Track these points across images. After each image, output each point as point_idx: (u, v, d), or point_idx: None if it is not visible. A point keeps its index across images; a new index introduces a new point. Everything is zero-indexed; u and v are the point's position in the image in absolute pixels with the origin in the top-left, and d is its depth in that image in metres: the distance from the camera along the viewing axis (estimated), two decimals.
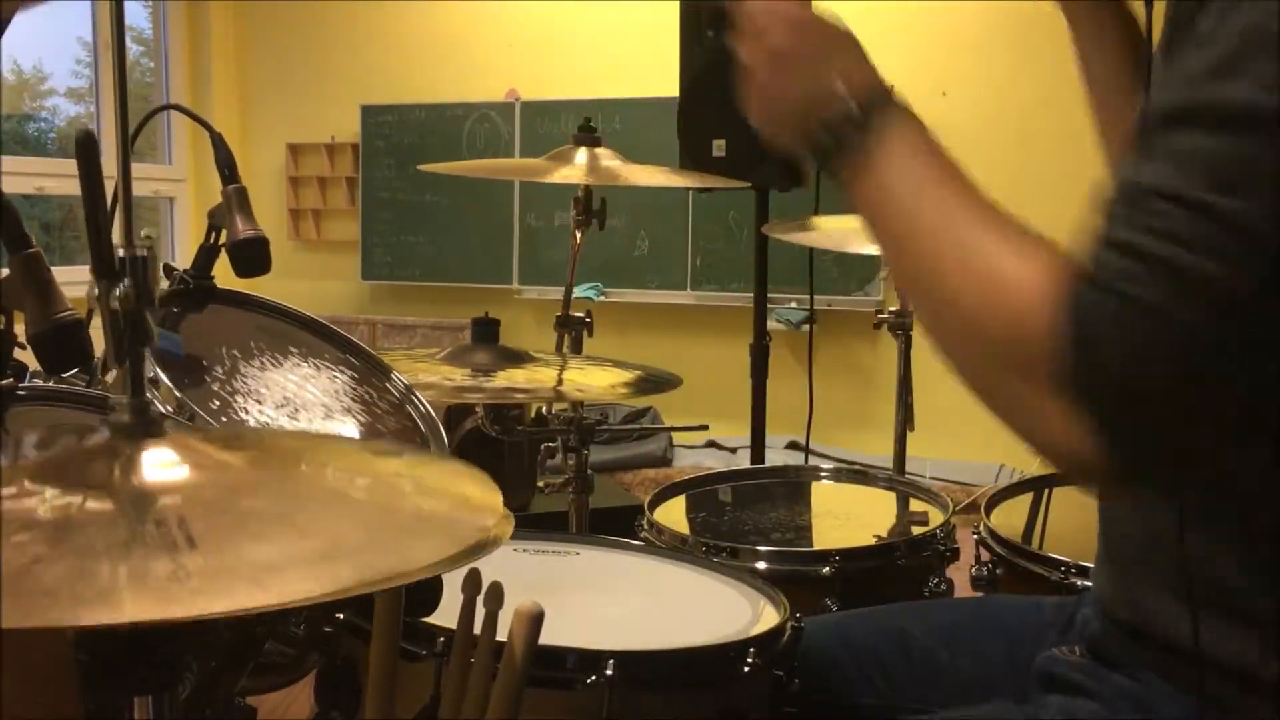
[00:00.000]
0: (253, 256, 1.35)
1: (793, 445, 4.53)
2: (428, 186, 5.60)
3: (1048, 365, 0.72)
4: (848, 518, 1.84)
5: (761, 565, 1.51)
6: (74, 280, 1.09)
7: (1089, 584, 1.23)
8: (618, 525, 1.64)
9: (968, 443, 4.65)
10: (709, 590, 1.38)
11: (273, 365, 1.39)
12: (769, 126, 0.96)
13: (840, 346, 4.94)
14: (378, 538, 0.65)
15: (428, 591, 0.95)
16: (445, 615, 0.99)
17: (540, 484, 1.93)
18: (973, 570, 1.59)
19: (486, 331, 1.88)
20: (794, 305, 4.85)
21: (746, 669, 1.12)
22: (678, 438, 4.92)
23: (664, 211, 5.19)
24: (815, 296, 3.49)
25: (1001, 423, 0.79)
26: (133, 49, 5.86)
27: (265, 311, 1.48)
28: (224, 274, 1.38)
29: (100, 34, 5.48)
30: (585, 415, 1.89)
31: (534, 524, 1.76)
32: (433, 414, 1.42)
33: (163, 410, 1.11)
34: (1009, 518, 1.70)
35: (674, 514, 1.77)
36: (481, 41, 5.62)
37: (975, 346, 0.79)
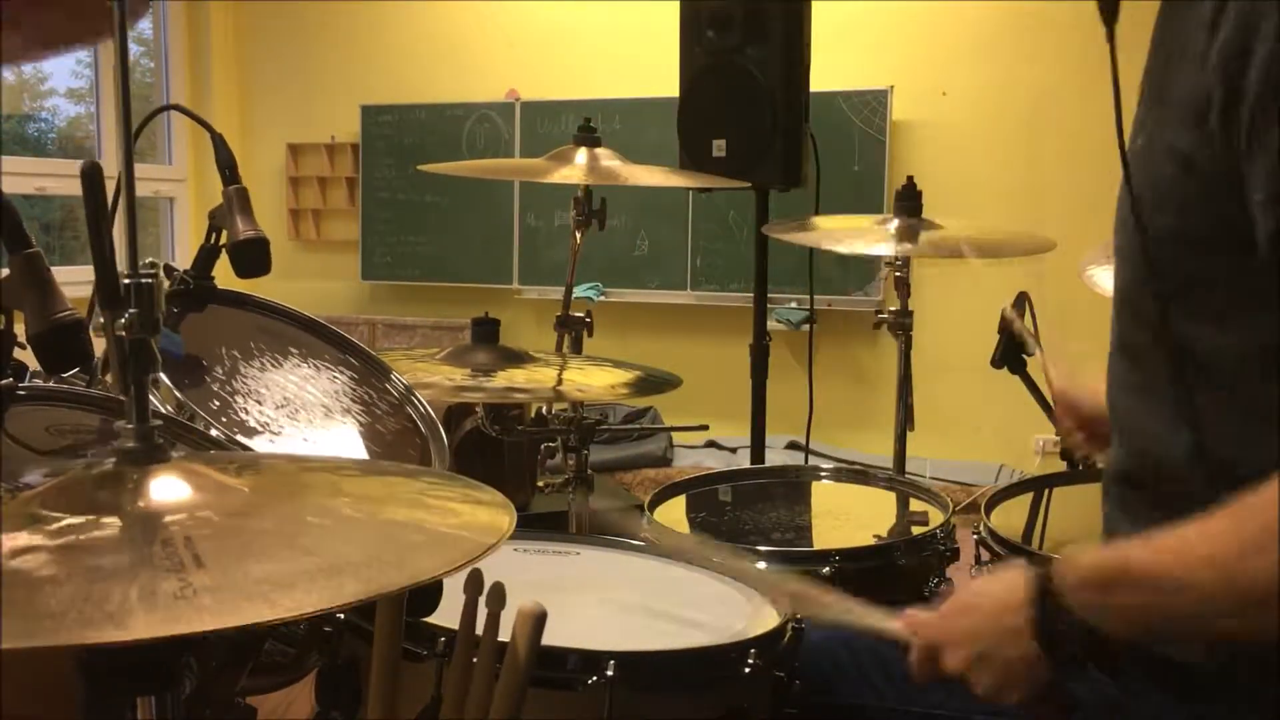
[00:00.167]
0: (253, 257, 1.35)
1: (793, 445, 4.52)
2: (428, 186, 5.60)
3: None
4: (848, 518, 1.84)
5: (761, 565, 1.51)
6: (74, 280, 1.09)
7: None
8: (618, 525, 1.64)
9: (968, 443, 4.65)
10: (710, 590, 1.38)
11: (273, 366, 1.39)
12: (1013, 695, 0.98)
13: (840, 346, 4.93)
14: (381, 554, 0.66)
15: (428, 592, 0.95)
16: (447, 615, 0.99)
17: (540, 484, 1.93)
18: (973, 570, 1.59)
19: (486, 331, 1.88)
20: (794, 305, 4.84)
21: (747, 669, 1.12)
22: (678, 438, 4.91)
23: (664, 211, 5.18)
24: (815, 296, 3.49)
25: None
26: (133, 49, 5.86)
27: (265, 312, 1.48)
28: (224, 274, 1.38)
29: None
30: (585, 415, 1.90)
31: (534, 524, 1.76)
32: (432, 414, 1.42)
33: (165, 422, 1.11)
34: (1009, 518, 1.70)
35: (674, 514, 1.77)
36: (481, 41, 5.62)
37: None
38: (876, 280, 4.84)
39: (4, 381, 1.04)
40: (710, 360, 4.36)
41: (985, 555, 1.59)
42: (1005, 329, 1.83)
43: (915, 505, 1.84)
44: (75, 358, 0.96)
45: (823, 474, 2.04)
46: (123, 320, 0.68)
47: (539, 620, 0.89)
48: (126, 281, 0.68)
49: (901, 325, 2.27)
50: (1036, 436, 4.50)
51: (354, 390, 1.43)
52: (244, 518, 0.69)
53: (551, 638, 0.92)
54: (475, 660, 0.94)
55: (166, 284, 1.38)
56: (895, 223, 2.14)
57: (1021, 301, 1.85)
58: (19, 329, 0.98)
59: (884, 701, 1.19)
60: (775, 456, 3.97)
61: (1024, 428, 4.27)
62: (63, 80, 5.75)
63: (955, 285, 4.43)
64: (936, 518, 1.73)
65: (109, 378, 1.15)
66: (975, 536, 1.61)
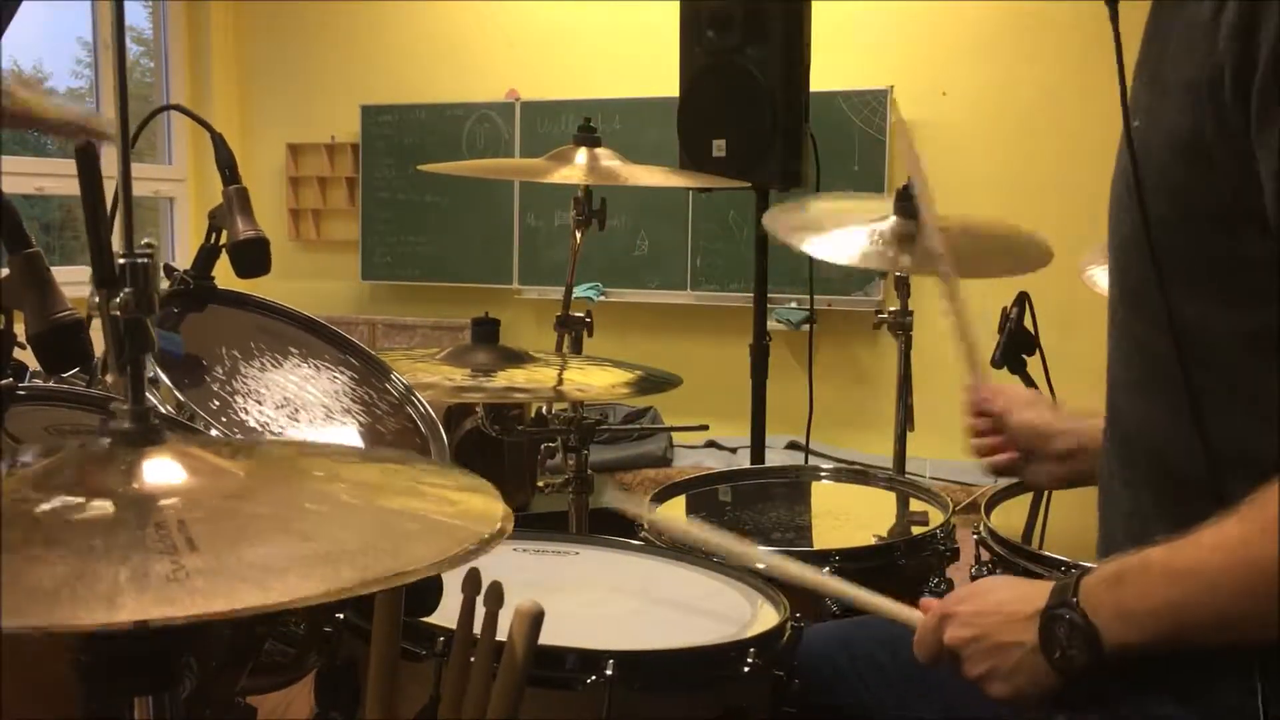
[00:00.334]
0: (253, 257, 1.35)
1: (793, 445, 4.52)
2: (428, 186, 5.60)
3: None
4: (848, 518, 1.84)
5: (761, 565, 1.51)
6: (74, 280, 1.09)
7: None
8: (618, 525, 1.64)
9: (968, 443, 4.63)
10: (709, 590, 1.38)
11: (273, 366, 1.39)
12: (1002, 688, 0.99)
13: (840, 346, 4.93)
14: (378, 542, 0.65)
15: (428, 593, 0.95)
16: (445, 615, 0.99)
17: (540, 484, 1.93)
18: (972, 570, 1.59)
19: (486, 331, 1.88)
20: (794, 305, 4.84)
21: (746, 669, 1.12)
22: (678, 438, 4.91)
23: (664, 211, 5.18)
24: (815, 296, 3.49)
25: None
26: (133, 49, 5.86)
27: (265, 312, 1.48)
28: (224, 274, 1.38)
29: (100, 34, 5.48)
30: (585, 415, 1.90)
31: (534, 524, 1.76)
32: (432, 414, 1.42)
33: (163, 412, 1.11)
34: (1009, 518, 1.69)
35: (674, 514, 1.77)
36: (481, 41, 5.62)
37: None
38: (876, 280, 4.84)
39: (4, 381, 1.04)
40: (710, 360, 4.37)
41: (985, 555, 1.59)
42: (1006, 328, 1.83)
43: (915, 505, 1.84)
44: (75, 358, 0.96)
45: (823, 474, 2.04)
46: (118, 300, 0.68)
47: (536, 619, 0.89)
48: (122, 261, 0.68)
49: (901, 325, 2.26)
50: None
51: (354, 390, 1.43)
52: (239, 501, 0.68)
53: (550, 637, 0.92)
54: (473, 660, 0.94)
55: (166, 284, 1.39)
56: (892, 220, 2.13)
57: (1022, 301, 1.85)
58: (19, 329, 0.98)
59: (884, 703, 1.19)
60: (775, 456, 3.97)
61: None
62: (63, 80, 5.75)
63: None
64: (936, 518, 1.73)
65: (109, 378, 1.15)
66: (975, 537, 1.61)
